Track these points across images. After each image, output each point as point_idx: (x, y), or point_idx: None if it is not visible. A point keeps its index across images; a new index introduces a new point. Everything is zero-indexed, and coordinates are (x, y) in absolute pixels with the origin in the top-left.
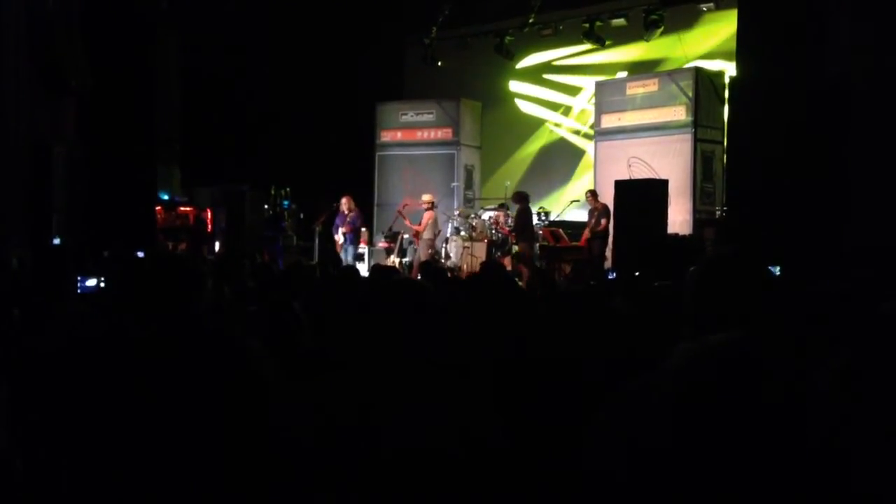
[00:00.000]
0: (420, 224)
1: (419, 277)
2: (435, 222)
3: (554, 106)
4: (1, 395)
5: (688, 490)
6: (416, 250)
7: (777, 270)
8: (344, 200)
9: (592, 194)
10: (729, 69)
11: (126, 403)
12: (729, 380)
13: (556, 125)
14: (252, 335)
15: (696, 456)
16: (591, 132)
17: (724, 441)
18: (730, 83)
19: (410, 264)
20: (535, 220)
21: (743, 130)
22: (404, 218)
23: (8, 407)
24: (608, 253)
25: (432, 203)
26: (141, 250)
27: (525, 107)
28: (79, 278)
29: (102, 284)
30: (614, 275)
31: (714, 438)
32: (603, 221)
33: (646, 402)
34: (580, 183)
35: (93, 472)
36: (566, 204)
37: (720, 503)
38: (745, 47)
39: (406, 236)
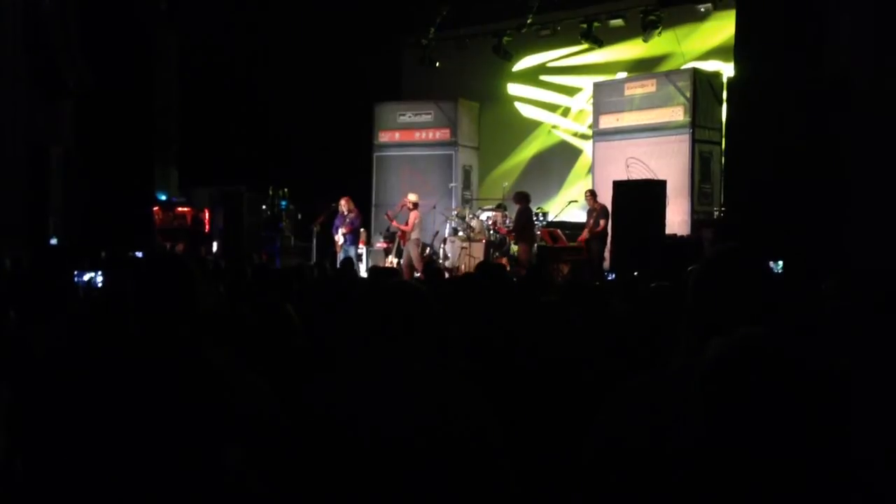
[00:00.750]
0: (407, 224)
1: (415, 277)
2: (421, 221)
3: (552, 107)
4: (1, 397)
5: (717, 483)
6: (404, 251)
7: (779, 267)
8: (343, 201)
9: (591, 194)
10: (727, 70)
11: (93, 411)
12: (765, 371)
13: (555, 126)
14: (232, 340)
15: (727, 449)
16: (590, 133)
17: (757, 433)
18: (728, 83)
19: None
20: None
21: (741, 130)
22: (391, 220)
23: (8, 409)
24: (607, 253)
25: (416, 203)
26: (139, 251)
27: (523, 107)
28: (76, 272)
29: (100, 281)
30: (613, 276)
31: (747, 431)
32: (602, 222)
33: (669, 395)
34: (578, 184)
35: (76, 474)
36: (564, 204)
37: (750, 497)
38: (743, 47)
39: None
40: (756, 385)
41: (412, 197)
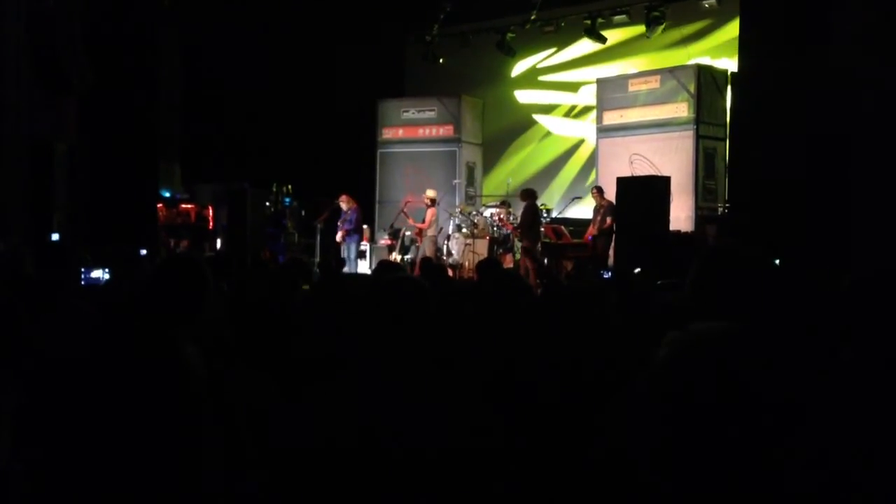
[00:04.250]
0: (424, 222)
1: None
2: (437, 219)
3: (556, 103)
4: (8, 399)
5: (680, 482)
6: (418, 248)
7: (776, 263)
8: (342, 199)
9: (599, 191)
10: (731, 65)
11: (93, 413)
12: (712, 372)
13: (558, 122)
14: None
15: (684, 448)
16: (593, 129)
17: (710, 431)
18: (732, 79)
19: (412, 261)
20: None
21: (746, 126)
22: (407, 217)
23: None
24: (611, 251)
25: (434, 199)
26: (143, 248)
27: (526, 104)
28: (83, 270)
29: (107, 277)
30: (609, 273)
31: (700, 429)
32: (608, 219)
33: (641, 396)
34: (582, 180)
35: (75, 474)
36: (568, 201)
37: (711, 496)
38: (747, 43)
39: (408, 233)
40: (701, 381)
41: (430, 193)
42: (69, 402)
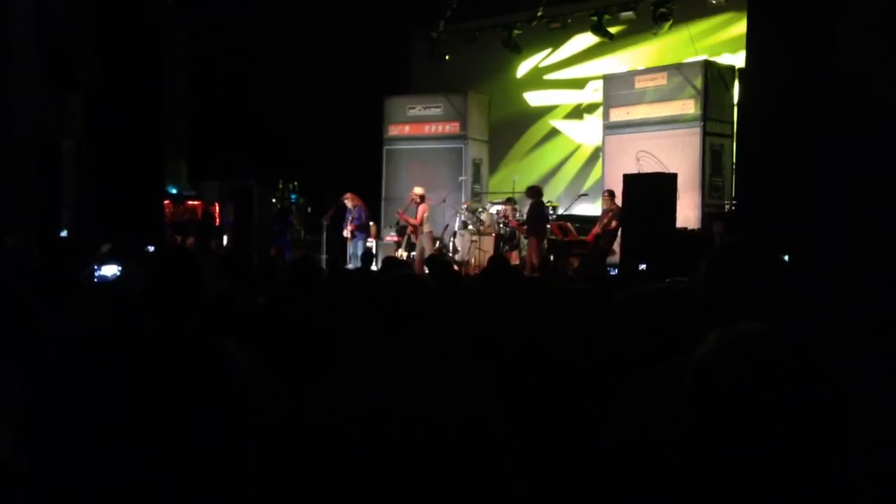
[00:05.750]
0: (416, 218)
1: (426, 271)
2: (431, 214)
3: (562, 100)
4: (14, 391)
5: (702, 479)
6: (413, 244)
7: (785, 259)
8: (347, 197)
9: (610, 195)
10: (738, 62)
11: (103, 407)
12: (757, 368)
13: (565, 119)
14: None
15: (711, 446)
16: (600, 126)
17: (744, 430)
18: (740, 74)
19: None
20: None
21: (753, 122)
22: (404, 219)
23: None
24: (615, 247)
25: (422, 196)
26: (149, 244)
27: (533, 101)
28: (94, 266)
29: (114, 275)
30: (616, 271)
31: (734, 427)
32: (614, 223)
33: (664, 388)
34: (588, 177)
35: (83, 471)
36: (574, 197)
37: (734, 493)
38: (755, 38)
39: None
40: (747, 381)
41: (418, 190)
42: (83, 396)
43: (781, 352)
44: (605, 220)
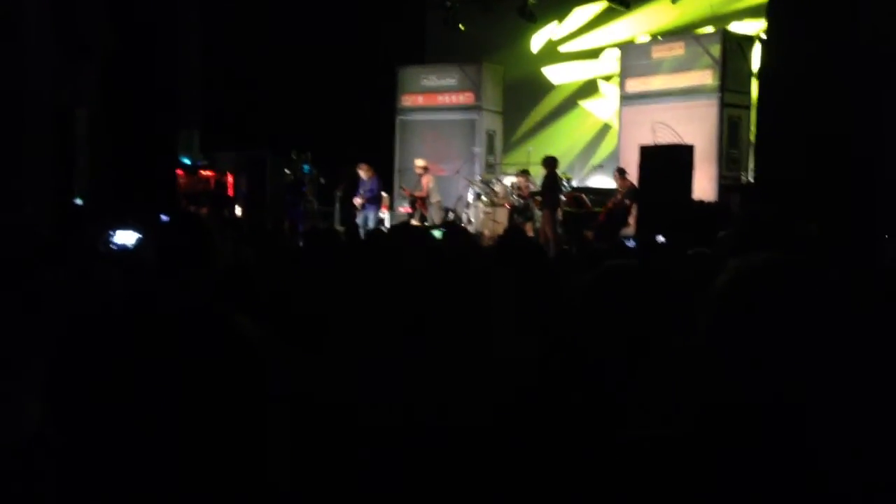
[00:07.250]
0: (421, 190)
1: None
2: (436, 185)
3: (578, 70)
4: (36, 364)
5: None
6: (411, 214)
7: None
8: (362, 168)
9: (620, 173)
10: (754, 28)
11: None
12: (775, 284)
13: (581, 89)
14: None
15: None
16: (616, 97)
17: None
18: (762, 43)
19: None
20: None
21: (775, 91)
22: (409, 193)
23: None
24: (631, 220)
25: (425, 167)
26: (163, 214)
27: (548, 71)
28: (109, 233)
29: (131, 243)
30: (632, 242)
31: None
32: (627, 201)
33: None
34: (604, 148)
35: (109, 444)
36: (589, 168)
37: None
38: (776, 6)
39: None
40: (765, 297)
41: (419, 162)
42: (99, 367)
43: (798, 277)
44: (617, 198)
